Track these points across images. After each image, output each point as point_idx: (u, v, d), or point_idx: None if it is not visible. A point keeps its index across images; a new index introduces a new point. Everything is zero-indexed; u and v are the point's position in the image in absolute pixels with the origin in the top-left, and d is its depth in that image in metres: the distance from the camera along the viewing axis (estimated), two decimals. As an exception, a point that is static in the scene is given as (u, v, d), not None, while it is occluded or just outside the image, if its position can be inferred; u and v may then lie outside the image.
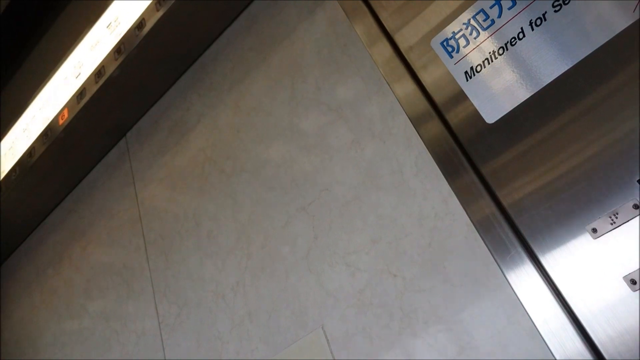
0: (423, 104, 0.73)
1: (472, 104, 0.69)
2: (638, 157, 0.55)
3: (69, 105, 1.49)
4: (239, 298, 1.13)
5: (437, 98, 0.73)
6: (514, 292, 0.61)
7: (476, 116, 0.68)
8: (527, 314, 0.59)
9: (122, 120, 1.53)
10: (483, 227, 0.65)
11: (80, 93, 1.45)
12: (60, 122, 1.50)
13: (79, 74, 1.50)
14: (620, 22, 0.58)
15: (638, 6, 0.57)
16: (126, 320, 1.42)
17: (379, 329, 0.90)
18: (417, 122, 0.74)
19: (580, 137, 0.60)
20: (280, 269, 1.07)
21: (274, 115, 1.18)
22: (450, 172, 0.69)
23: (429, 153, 0.72)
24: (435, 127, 0.72)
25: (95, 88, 1.40)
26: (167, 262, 1.33)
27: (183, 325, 1.24)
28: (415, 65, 0.76)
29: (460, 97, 0.70)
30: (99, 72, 1.40)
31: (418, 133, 0.74)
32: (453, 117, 0.71)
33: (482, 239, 0.64)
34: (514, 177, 0.64)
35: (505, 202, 0.64)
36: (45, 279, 1.78)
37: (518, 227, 0.62)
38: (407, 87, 0.76)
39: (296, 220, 1.07)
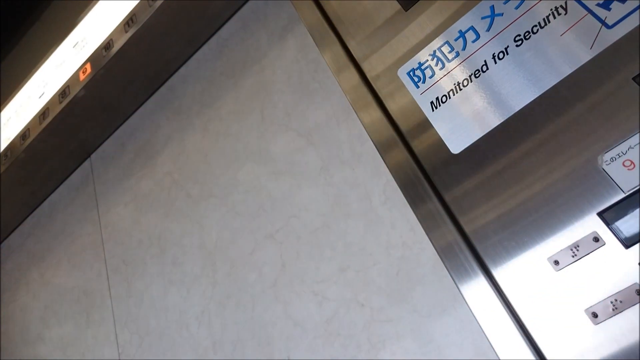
0: (388, 131, 0.74)
1: (437, 133, 0.69)
2: (597, 189, 0.56)
3: (30, 125, 1.44)
4: (204, 328, 1.09)
5: (403, 126, 0.73)
6: (477, 322, 0.61)
7: (441, 144, 0.69)
8: (492, 346, 0.59)
9: (86, 141, 1.49)
10: (446, 253, 0.65)
11: (43, 113, 1.41)
12: (22, 142, 1.45)
13: (43, 93, 1.46)
14: (578, 58, 0.60)
15: (595, 42, 0.59)
16: (85, 350, 1.35)
17: (346, 361, 0.88)
18: (382, 149, 0.74)
19: (540, 168, 0.61)
20: (246, 297, 1.04)
21: (242, 140, 1.16)
22: (414, 198, 0.69)
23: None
24: (400, 154, 0.72)
25: (58, 108, 1.36)
26: (130, 289, 1.28)
27: (144, 356, 1.19)
28: (382, 93, 0.76)
29: (425, 125, 0.71)
30: (63, 92, 1.37)
31: (383, 160, 0.74)
32: (418, 145, 0.71)
33: (445, 266, 0.64)
34: (476, 205, 0.64)
35: (467, 229, 0.64)
36: (0, 306, 1.69)
37: (480, 254, 0.62)
38: (374, 114, 0.76)
39: (263, 248, 1.05)
